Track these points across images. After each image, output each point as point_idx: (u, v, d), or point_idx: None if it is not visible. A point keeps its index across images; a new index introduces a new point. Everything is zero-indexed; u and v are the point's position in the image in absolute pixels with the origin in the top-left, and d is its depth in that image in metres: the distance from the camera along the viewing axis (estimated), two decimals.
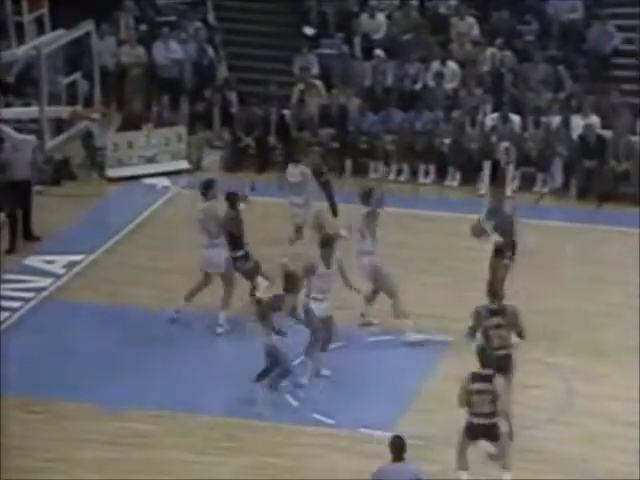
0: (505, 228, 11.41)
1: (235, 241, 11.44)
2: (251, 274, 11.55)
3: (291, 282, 10.06)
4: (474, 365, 10.87)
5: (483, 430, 8.88)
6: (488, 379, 8.90)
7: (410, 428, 9.47)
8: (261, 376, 10.08)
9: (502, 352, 9.48)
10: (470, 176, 15.29)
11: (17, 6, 12.49)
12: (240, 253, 11.45)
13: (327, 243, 10.54)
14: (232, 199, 11.48)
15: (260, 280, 11.49)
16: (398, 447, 7.92)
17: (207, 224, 11.42)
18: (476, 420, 8.88)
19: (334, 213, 13.65)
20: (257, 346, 10.20)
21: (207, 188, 11.60)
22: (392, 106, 15.86)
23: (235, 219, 11.42)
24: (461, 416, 9.09)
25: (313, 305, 10.40)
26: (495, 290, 9.88)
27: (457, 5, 16.83)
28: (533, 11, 16.71)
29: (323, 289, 10.37)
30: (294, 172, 13.04)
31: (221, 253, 11.40)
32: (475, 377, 8.94)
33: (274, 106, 15.92)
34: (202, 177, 15.39)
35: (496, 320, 9.55)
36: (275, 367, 10.04)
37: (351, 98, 16.01)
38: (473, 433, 8.93)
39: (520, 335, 9.64)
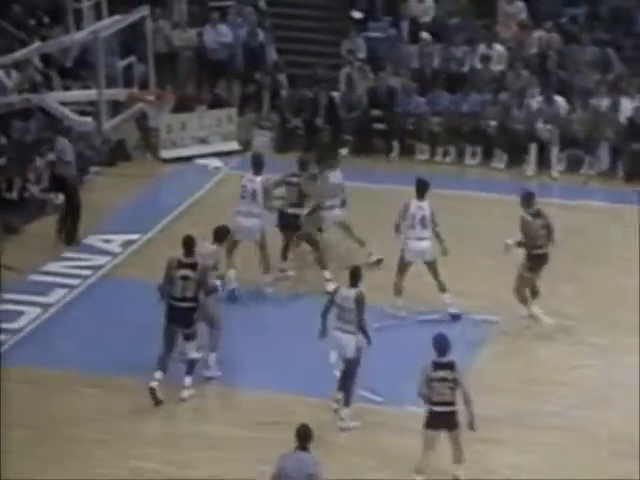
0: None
1: None
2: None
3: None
4: (521, 345, 10.93)
5: (444, 419, 8.65)
6: (450, 367, 8.70)
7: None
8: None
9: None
10: (517, 158, 15.21)
11: None
12: None
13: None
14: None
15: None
16: (302, 436, 7.73)
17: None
18: (436, 408, 8.68)
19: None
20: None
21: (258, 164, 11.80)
22: (439, 88, 15.80)
23: None
24: (508, 397, 9.10)
25: None
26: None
27: None
28: None
29: None
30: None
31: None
32: (436, 365, 8.72)
33: (324, 89, 15.95)
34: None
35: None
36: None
37: (398, 80, 15.98)
38: (434, 422, 8.70)
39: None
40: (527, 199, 11.17)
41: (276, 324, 11.37)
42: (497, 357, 10.64)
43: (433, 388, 8.67)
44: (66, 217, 13.18)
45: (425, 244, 11.34)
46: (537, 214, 11.09)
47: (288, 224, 12.09)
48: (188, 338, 10.17)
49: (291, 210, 12.05)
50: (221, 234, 10.71)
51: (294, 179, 12.11)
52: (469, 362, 10.48)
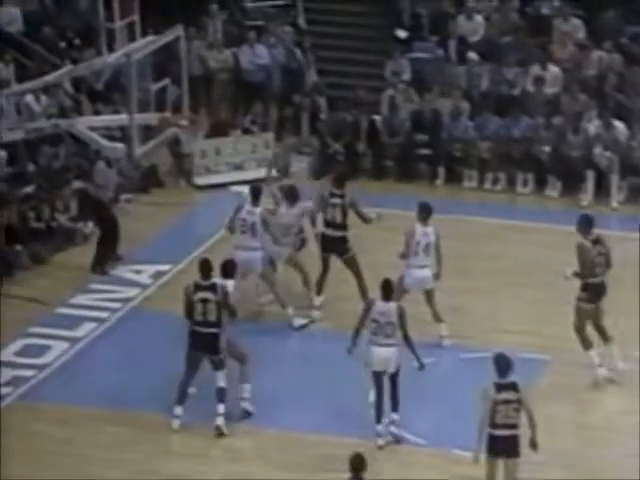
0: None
1: None
2: None
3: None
4: (573, 384, 10.83)
5: (506, 443, 8.71)
6: (513, 387, 8.78)
7: None
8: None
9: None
10: (572, 186, 15.14)
11: (109, 13, 12.87)
12: None
13: None
14: None
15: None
16: (356, 465, 7.95)
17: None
18: (499, 432, 8.72)
19: None
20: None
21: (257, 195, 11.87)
22: (488, 112, 15.83)
23: None
24: (558, 441, 9.01)
25: None
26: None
27: (561, 5, 16.65)
28: None
29: None
30: None
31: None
32: (499, 387, 8.78)
33: (364, 112, 16.04)
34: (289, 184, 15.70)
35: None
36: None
37: (447, 102, 15.88)
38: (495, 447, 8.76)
39: None
40: (585, 224, 11.03)
41: (309, 360, 11.37)
42: (546, 399, 10.54)
43: (498, 411, 8.70)
44: (100, 243, 13.28)
45: (426, 272, 11.38)
46: (596, 241, 10.98)
47: (333, 248, 12.08)
48: (216, 367, 10.14)
49: (337, 233, 12.06)
50: (229, 268, 10.65)
51: (337, 200, 12.12)
52: None
